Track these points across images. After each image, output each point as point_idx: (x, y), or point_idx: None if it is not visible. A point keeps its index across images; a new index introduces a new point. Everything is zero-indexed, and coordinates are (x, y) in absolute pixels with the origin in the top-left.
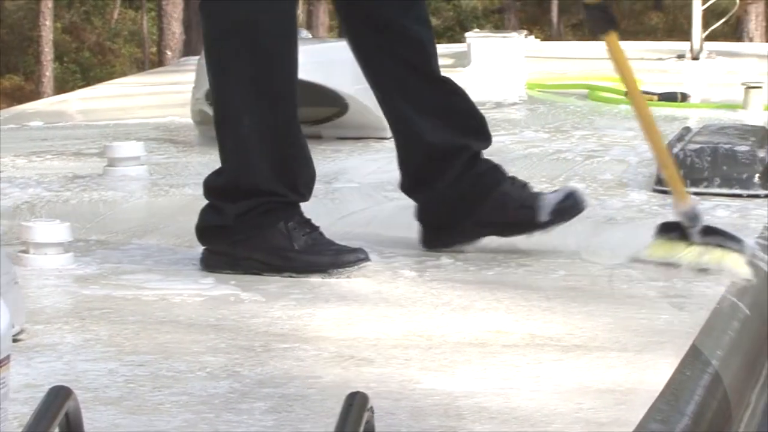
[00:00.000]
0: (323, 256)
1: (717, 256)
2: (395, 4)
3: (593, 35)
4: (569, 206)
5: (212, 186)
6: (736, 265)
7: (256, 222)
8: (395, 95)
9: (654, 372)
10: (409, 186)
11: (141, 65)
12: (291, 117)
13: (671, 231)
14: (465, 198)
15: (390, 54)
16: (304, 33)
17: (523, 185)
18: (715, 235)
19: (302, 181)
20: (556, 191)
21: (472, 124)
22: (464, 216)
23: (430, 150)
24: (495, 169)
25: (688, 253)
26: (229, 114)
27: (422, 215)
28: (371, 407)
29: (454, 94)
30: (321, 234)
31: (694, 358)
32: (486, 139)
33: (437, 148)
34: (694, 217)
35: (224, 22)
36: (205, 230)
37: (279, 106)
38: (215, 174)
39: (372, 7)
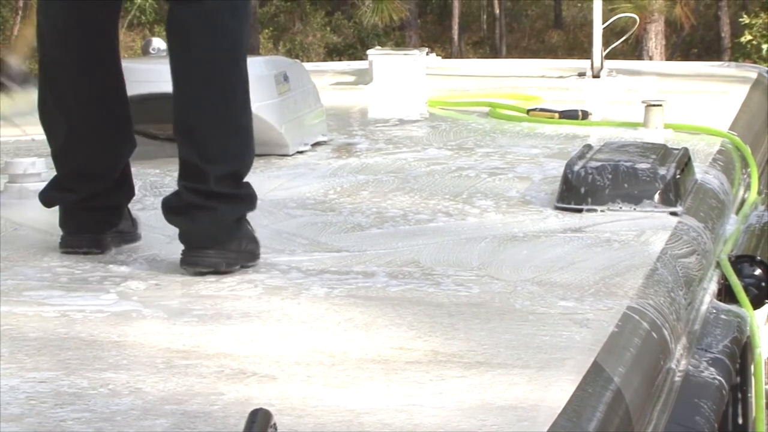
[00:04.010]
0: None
1: None
2: None
3: None
4: None
5: (220, 174)
6: None
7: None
8: None
9: (556, 389)
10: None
11: None
12: None
13: None
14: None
15: None
16: None
17: None
18: None
19: None
20: None
21: None
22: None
23: None
24: None
25: None
26: (246, 100)
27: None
28: (274, 424)
29: None
30: None
31: (595, 375)
32: None
33: None
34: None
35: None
36: (223, 231)
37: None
38: (215, 164)
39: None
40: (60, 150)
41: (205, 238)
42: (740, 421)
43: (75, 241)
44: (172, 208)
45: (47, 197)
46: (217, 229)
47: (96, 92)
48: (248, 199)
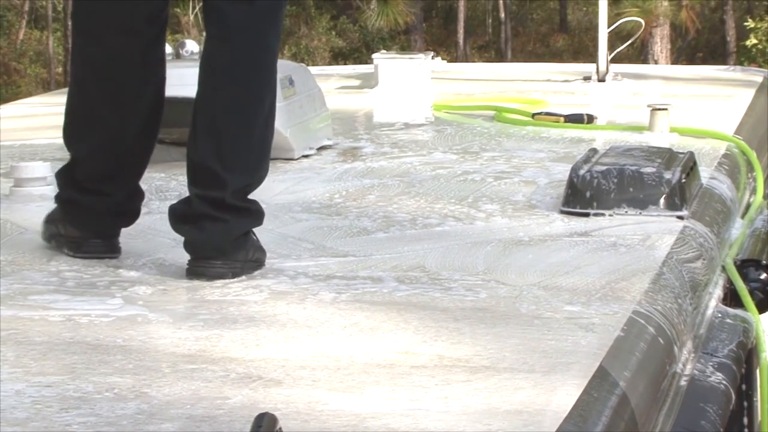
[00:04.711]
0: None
1: None
2: None
3: None
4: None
5: (237, 185)
6: None
7: (247, 225)
8: None
9: (562, 393)
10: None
11: (47, 85)
12: None
13: None
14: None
15: None
16: None
17: None
18: None
19: None
20: None
21: None
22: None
23: None
24: None
25: None
26: (272, 112)
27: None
28: (279, 428)
29: None
30: None
31: (601, 379)
32: None
33: None
34: None
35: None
36: (230, 243)
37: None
38: (233, 173)
39: None
40: (89, 154)
41: (212, 249)
42: (746, 425)
43: (90, 246)
44: (180, 217)
45: (67, 196)
46: (225, 241)
47: (137, 97)
48: (256, 215)
